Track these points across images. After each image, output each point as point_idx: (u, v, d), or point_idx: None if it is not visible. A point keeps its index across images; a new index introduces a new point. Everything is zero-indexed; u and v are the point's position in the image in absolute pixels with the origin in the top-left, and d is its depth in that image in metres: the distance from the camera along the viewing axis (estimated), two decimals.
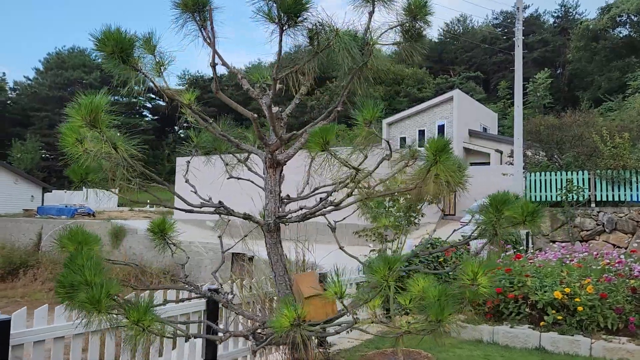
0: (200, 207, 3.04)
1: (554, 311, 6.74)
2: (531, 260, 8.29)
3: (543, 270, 7.38)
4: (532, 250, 12.99)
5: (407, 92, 52.31)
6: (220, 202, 2.95)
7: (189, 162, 3.33)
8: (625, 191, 15.42)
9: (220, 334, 2.74)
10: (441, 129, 32.29)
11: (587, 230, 15.50)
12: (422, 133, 32.74)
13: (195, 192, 3.12)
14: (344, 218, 3.85)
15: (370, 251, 6.21)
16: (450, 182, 2.42)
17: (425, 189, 2.48)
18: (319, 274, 6.80)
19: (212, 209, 3.14)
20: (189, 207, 2.92)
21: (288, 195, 2.99)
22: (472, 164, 31.33)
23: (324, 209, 2.90)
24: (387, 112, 45.26)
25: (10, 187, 34.09)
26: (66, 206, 29.00)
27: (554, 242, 15.54)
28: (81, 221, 26.45)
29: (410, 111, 33.96)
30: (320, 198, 2.92)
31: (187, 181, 3.32)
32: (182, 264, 3.34)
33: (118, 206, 36.82)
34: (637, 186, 15.27)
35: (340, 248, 3.66)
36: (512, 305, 7.11)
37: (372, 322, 2.43)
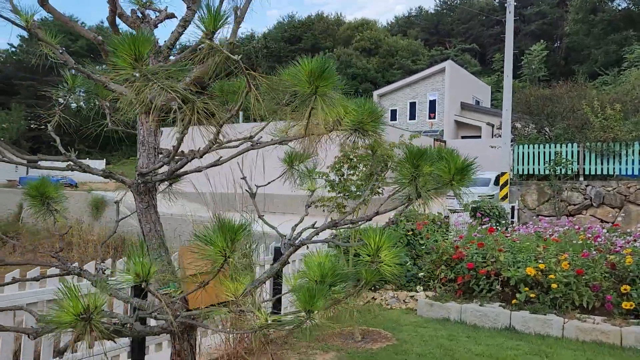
0: (37, 162, 2.49)
1: (526, 288, 6.28)
2: (508, 235, 7.82)
3: (517, 245, 6.91)
4: (515, 225, 12.57)
5: (400, 64, 51.34)
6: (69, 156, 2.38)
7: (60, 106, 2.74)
8: (614, 164, 14.92)
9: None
10: (432, 101, 31.61)
11: (575, 205, 15.06)
12: (413, 105, 32.09)
13: (59, 145, 2.56)
14: (268, 183, 3.31)
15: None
16: (335, 121, 1.86)
17: (307, 134, 1.91)
18: (275, 247, 6.29)
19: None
20: (30, 161, 2.39)
21: (182, 152, 2.44)
22: (463, 137, 30.80)
23: (191, 165, 2.35)
24: (380, 84, 44.36)
25: None
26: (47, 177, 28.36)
27: (540, 216, 15.13)
28: (62, 192, 25.85)
29: (401, 83, 33.20)
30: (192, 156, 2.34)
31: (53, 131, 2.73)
32: (60, 234, 2.83)
33: (105, 177, 36.13)
34: (627, 159, 14.77)
35: (259, 217, 3.13)
36: (484, 281, 6.66)
37: (228, 313, 1.90)
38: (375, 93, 33.87)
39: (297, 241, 2.59)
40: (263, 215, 3.13)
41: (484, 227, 8.06)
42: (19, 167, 39.02)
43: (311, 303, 1.68)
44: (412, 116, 31.91)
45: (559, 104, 17.67)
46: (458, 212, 13.30)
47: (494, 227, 8.25)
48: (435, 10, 65.12)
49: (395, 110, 32.52)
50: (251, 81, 1.76)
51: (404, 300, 7.06)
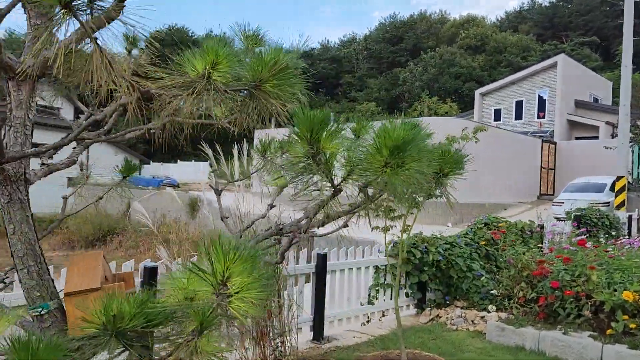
0: None
1: (625, 316, 5.05)
2: (608, 250, 6.51)
3: (615, 262, 5.64)
4: (629, 237, 10.77)
5: (509, 61, 48.16)
6: None
7: None
8: None
9: None
10: (542, 99, 29.03)
11: None
12: (519, 104, 29.73)
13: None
14: (243, 178, 2.72)
15: (373, 229, 4.93)
16: (200, 76, 1.18)
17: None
18: (318, 254, 5.65)
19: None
20: None
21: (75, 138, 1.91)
22: (577, 138, 27.91)
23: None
24: (485, 83, 41.87)
25: (110, 158, 36.29)
26: (153, 177, 30.30)
27: None
28: (164, 191, 27.41)
29: (506, 80, 30.91)
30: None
31: None
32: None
33: (209, 178, 37.66)
34: None
35: (222, 219, 2.54)
36: (571, 304, 5.50)
37: None
38: (477, 92, 31.90)
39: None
40: (228, 217, 2.54)
41: (576, 238, 6.79)
42: None
43: None
44: (519, 116, 29.54)
45: None
46: (561, 220, 11.76)
47: (592, 239, 6.92)
48: (550, 3, 60.43)
49: (500, 109, 30.34)
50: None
51: (472, 321, 6.07)
